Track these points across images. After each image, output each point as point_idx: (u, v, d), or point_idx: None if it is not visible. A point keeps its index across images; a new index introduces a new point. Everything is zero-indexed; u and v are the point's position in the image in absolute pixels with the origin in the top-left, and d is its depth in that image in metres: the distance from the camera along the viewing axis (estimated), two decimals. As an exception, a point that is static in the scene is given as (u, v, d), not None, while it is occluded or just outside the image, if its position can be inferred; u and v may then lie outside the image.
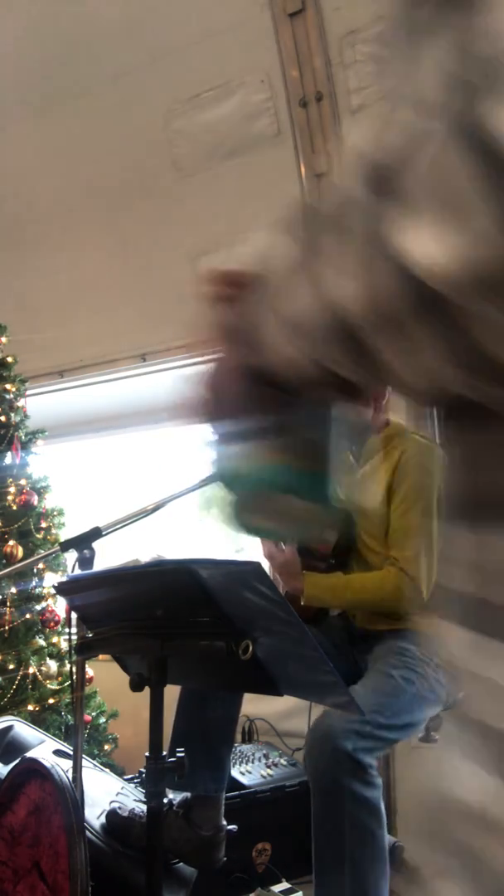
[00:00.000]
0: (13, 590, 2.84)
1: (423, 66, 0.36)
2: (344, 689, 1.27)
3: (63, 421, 4.02)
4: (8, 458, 3.03)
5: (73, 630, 1.49)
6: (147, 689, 1.31)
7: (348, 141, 3.05)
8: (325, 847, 1.64)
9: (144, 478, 4.06)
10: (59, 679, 2.80)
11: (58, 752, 1.98)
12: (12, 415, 3.09)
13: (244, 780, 2.38)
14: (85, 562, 1.61)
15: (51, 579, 2.96)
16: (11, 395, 3.13)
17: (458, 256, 0.33)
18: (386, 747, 1.85)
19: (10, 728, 2.09)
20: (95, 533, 1.65)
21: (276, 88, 3.15)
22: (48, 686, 2.75)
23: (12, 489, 2.96)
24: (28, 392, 3.28)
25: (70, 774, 1.63)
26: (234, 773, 2.38)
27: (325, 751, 1.63)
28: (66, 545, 1.65)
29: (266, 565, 1.97)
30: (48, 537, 3.00)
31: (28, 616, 2.82)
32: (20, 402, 3.16)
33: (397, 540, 1.99)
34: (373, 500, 2.09)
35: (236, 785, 2.33)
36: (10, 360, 3.18)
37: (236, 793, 2.27)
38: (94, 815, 1.83)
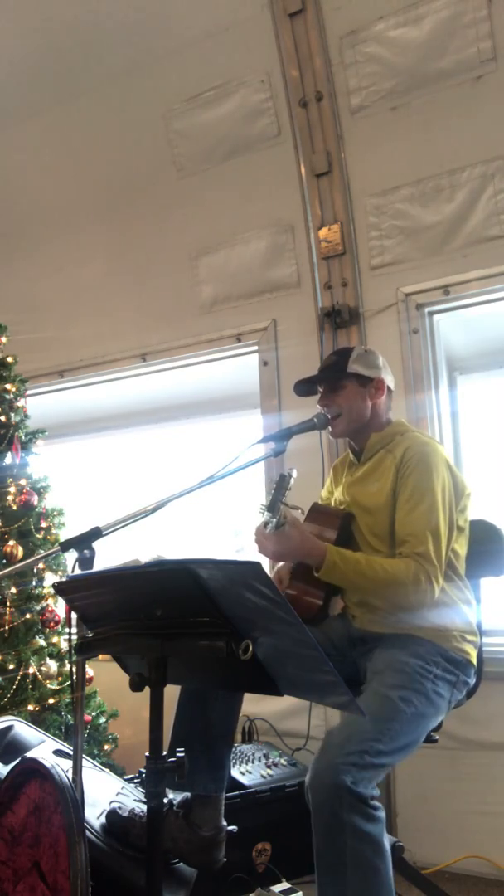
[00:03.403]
0: (13, 590, 2.84)
1: None
2: (344, 688, 1.27)
3: (63, 421, 4.03)
4: (8, 458, 3.03)
5: (73, 630, 1.49)
6: (147, 689, 1.31)
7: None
8: (328, 883, 1.62)
9: (144, 477, 4.06)
10: (59, 679, 2.80)
11: (58, 752, 1.98)
12: (12, 415, 3.09)
13: (244, 780, 2.38)
14: (85, 562, 1.61)
15: (51, 579, 2.96)
16: (11, 395, 3.12)
17: None
18: (387, 770, 1.83)
19: (10, 728, 2.09)
20: (95, 533, 1.64)
21: (276, 88, 3.16)
22: (48, 686, 2.75)
23: (12, 489, 2.96)
24: (28, 392, 3.28)
25: (70, 774, 1.63)
26: (234, 773, 2.38)
27: (324, 786, 1.61)
28: (66, 545, 1.64)
29: (266, 564, 1.96)
30: (48, 537, 3.00)
31: (28, 616, 2.82)
32: (20, 402, 3.16)
33: (406, 537, 1.96)
34: (376, 497, 2.08)
35: (236, 785, 2.33)
36: (10, 360, 3.18)
37: (236, 793, 2.27)
38: (94, 815, 1.83)
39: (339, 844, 1.59)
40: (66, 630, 2.84)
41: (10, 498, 2.94)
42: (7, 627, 2.77)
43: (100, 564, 1.63)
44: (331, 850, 1.61)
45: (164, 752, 1.31)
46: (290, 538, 1.93)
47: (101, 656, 1.62)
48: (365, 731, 1.68)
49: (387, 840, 1.65)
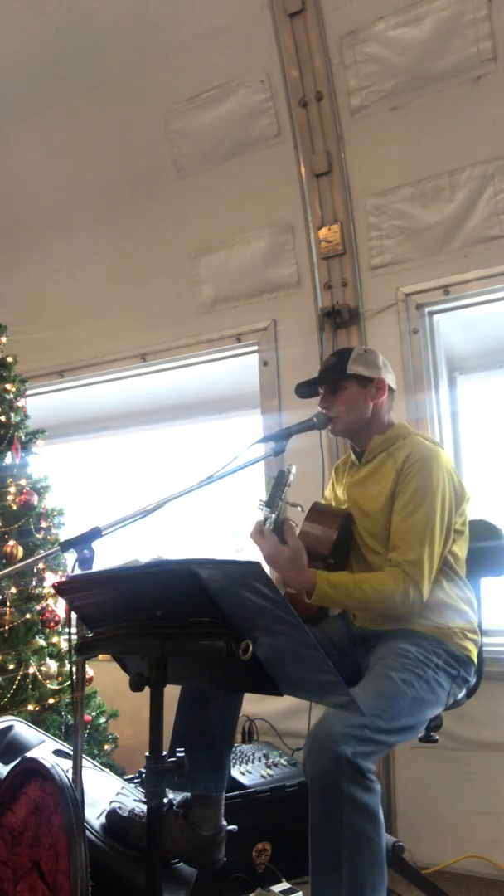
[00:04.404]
0: (13, 590, 2.84)
1: None
2: (344, 688, 1.27)
3: (63, 421, 4.03)
4: (8, 458, 3.03)
5: (73, 630, 1.49)
6: (147, 689, 1.31)
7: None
8: (322, 851, 1.62)
9: (144, 477, 4.06)
10: (59, 679, 2.80)
11: (58, 752, 1.98)
12: (12, 415, 3.09)
13: (244, 780, 2.38)
14: (85, 562, 1.61)
15: (51, 579, 2.96)
16: (11, 395, 3.12)
17: None
18: (385, 751, 1.84)
19: (10, 728, 2.09)
20: (95, 533, 1.64)
21: (276, 88, 3.16)
22: (48, 686, 2.75)
23: (12, 489, 2.96)
24: (28, 392, 3.28)
25: (70, 774, 1.63)
26: (234, 773, 2.38)
27: (324, 755, 1.61)
28: (66, 545, 1.64)
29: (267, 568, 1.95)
30: (48, 537, 3.00)
31: (28, 616, 2.82)
32: (20, 402, 3.16)
33: (398, 542, 1.97)
34: (375, 501, 2.07)
35: (236, 785, 2.33)
36: (10, 360, 3.18)
37: (236, 793, 2.27)
38: (94, 815, 1.83)
39: (335, 813, 1.60)
40: (66, 630, 2.84)
41: (10, 498, 2.94)
42: (7, 627, 2.76)
43: (100, 564, 1.63)
44: (326, 819, 1.61)
45: (164, 752, 1.31)
46: (280, 555, 1.91)
47: (101, 656, 1.62)
48: (366, 707, 1.68)
49: (381, 812, 1.65)
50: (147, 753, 1.30)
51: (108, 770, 2.26)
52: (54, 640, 2.88)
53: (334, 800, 1.60)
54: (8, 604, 2.80)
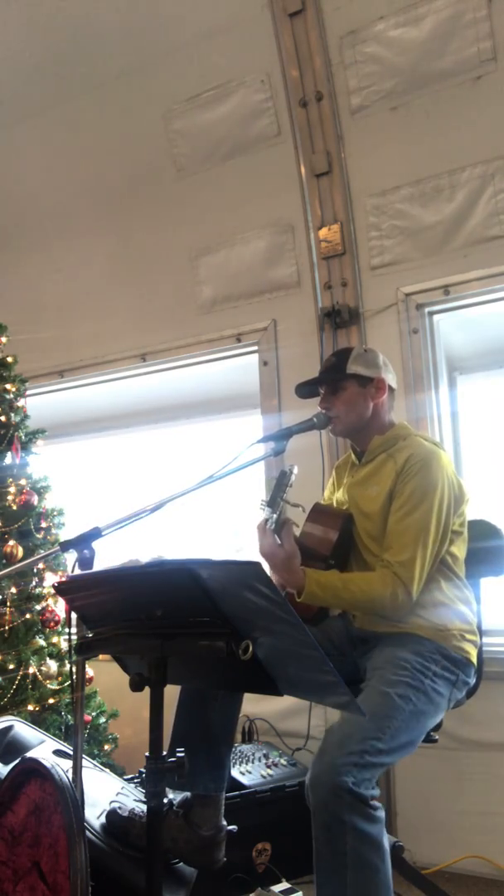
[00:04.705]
0: (13, 590, 2.84)
1: None
2: (344, 688, 1.27)
3: (63, 421, 4.03)
4: (8, 458, 3.03)
5: (73, 630, 1.49)
6: (147, 689, 1.31)
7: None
8: (327, 882, 1.62)
9: (144, 477, 4.06)
10: (59, 679, 2.80)
11: (58, 752, 1.98)
12: (12, 415, 3.09)
13: (244, 780, 2.38)
14: (85, 562, 1.61)
15: (51, 579, 2.96)
16: (11, 395, 3.13)
17: None
18: (386, 768, 1.84)
19: (10, 728, 2.09)
20: (95, 533, 1.64)
21: (276, 88, 3.16)
22: (48, 686, 2.75)
23: (12, 489, 2.96)
24: (28, 392, 3.28)
25: (70, 774, 1.63)
26: (234, 773, 2.38)
27: (325, 787, 1.61)
28: (66, 545, 1.64)
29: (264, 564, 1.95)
30: (48, 537, 3.00)
31: (28, 616, 2.82)
32: (20, 402, 3.16)
33: (392, 542, 1.96)
34: (374, 502, 2.07)
35: (236, 785, 2.33)
36: (10, 360, 3.18)
37: (236, 793, 2.27)
38: (94, 815, 1.83)
39: (339, 845, 1.59)
40: (66, 630, 2.84)
41: (10, 498, 2.94)
42: (7, 627, 2.77)
43: (100, 564, 1.63)
44: (330, 850, 1.61)
45: (164, 752, 1.31)
46: (276, 556, 1.92)
47: (101, 656, 1.62)
48: (364, 730, 1.68)
49: (386, 840, 1.66)
50: (147, 753, 1.30)
51: (108, 770, 2.26)
52: (54, 640, 2.88)
53: (337, 830, 1.60)
54: (8, 604, 2.80)
